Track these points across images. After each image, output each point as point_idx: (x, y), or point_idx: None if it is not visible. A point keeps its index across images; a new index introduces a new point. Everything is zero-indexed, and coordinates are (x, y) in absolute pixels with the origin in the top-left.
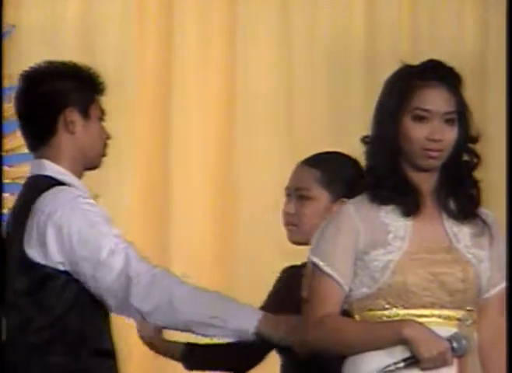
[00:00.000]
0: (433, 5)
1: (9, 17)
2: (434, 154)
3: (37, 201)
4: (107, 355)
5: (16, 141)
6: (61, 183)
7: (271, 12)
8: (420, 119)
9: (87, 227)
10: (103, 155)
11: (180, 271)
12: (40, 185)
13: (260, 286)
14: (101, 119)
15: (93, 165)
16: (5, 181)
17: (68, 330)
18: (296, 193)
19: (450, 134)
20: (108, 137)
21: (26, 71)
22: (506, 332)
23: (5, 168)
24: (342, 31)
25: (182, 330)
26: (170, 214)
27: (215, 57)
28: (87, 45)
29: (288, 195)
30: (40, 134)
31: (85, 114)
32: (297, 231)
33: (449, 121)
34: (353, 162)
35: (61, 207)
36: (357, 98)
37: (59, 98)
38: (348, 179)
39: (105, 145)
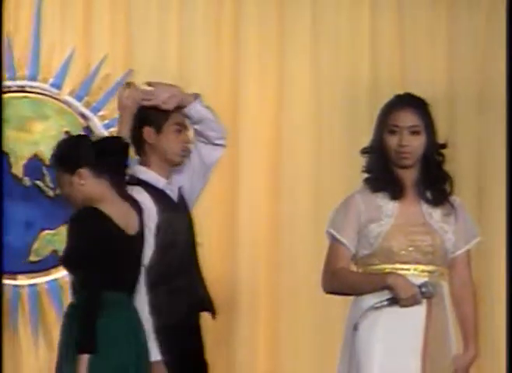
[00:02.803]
0: (418, 58)
1: (127, 62)
2: (404, 155)
3: None
4: (180, 291)
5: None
6: (142, 183)
7: (305, 64)
8: (393, 132)
9: None
10: (184, 155)
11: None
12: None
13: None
14: (178, 130)
15: (175, 164)
16: None
17: (150, 271)
18: None
19: (414, 142)
20: (188, 142)
21: None
22: (506, 330)
23: None
24: (356, 75)
25: None
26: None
27: (269, 97)
28: (183, 81)
29: None
30: (135, 145)
31: (159, 130)
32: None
33: (414, 133)
34: (74, 138)
35: None
36: (364, 122)
37: (141, 119)
38: (72, 155)
39: (184, 149)
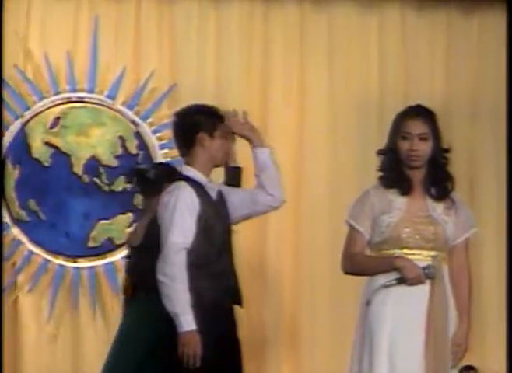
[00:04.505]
0: (420, 76)
1: (171, 77)
2: (414, 158)
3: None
4: (218, 276)
5: (173, 154)
6: (187, 179)
7: (323, 82)
8: (405, 138)
9: (169, 217)
10: (226, 158)
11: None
12: (174, 180)
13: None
14: (224, 138)
15: (218, 165)
16: None
17: (191, 254)
18: None
19: (423, 146)
20: (229, 148)
21: (178, 110)
22: (507, 330)
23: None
24: (366, 90)
25: None
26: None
27: (293, 108)
28: (222, 97)
29: None
30: (185, 148)
31: (211, 135)
32: None
33: (422, 139)
34: None
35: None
36: (373, 128)
37: (195, 126)
38: None
39: (227, 153)
